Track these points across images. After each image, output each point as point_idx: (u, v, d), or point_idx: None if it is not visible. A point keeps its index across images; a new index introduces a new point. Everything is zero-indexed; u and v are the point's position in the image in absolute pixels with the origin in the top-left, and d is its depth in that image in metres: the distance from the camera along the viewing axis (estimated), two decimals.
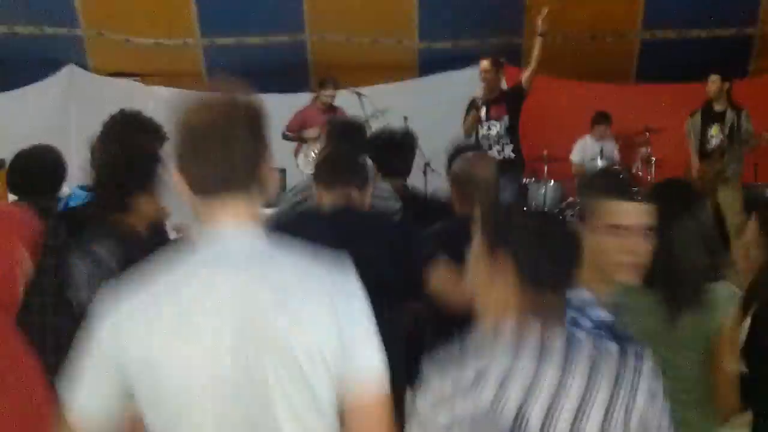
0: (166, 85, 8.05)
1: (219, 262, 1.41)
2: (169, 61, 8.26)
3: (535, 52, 6.08)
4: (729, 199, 6.58)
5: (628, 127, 7.85)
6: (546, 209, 1.74)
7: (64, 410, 1.44)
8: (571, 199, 7.11)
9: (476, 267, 1.59)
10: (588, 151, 7.79)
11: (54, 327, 3.16)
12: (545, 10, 6.01)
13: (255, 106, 1.48)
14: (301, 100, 7.46)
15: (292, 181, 6.12)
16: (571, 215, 6.96)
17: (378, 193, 3.22)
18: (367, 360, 1.42)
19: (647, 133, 7.64)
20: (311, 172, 3.28)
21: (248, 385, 1.37)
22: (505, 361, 1.43)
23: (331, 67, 7.68)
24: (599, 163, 7.51)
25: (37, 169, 3.30)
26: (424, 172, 6.94)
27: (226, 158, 1.41)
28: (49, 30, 7.97)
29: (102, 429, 1.44)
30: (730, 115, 6.74)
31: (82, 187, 3.38)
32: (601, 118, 7.73)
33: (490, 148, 6.10)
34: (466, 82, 7.20)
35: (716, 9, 7.81)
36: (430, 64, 8.34)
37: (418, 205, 3.71)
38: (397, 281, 2.60)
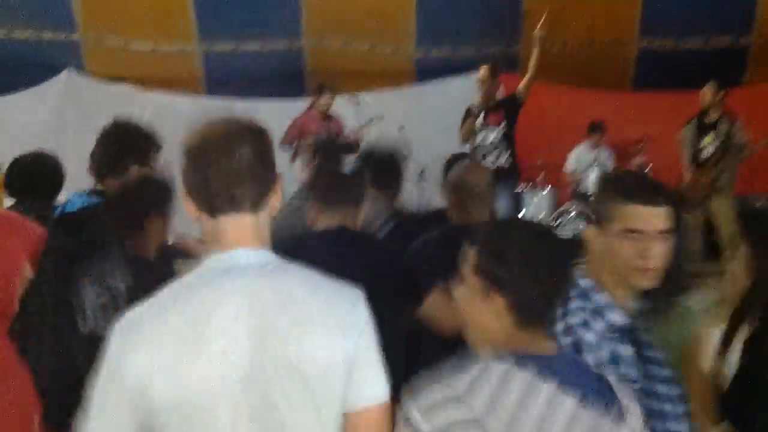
0: (163, 91, 8.07)
1: (229, 280, 1.43)
2: (167, 66, 8.27)
3: (533, 60, 6.11)
4: (722, 208, 6.58)
5: (623, 135, 7.89)
6: (539, 222, 1.70)
7: None
8: (565, 206, 7.14)
9: (466, 297, 1.59)
10: (583, 159, 7.84)
11: (53, 329, 3.17)
12: (544, 18, 6.03)
13: (260, 130, 1.52)
14: (298, 106, 7.48)
15: (288, 187, 6.12)
16: (574, 217, 7.02)
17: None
18: (372, 380, 1.46)
19: (642, 142, 7.68)
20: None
21: (258, 400, 1.40)
22: (489, 402, 1.42)
23: (328, 74, 7.70)
24: (594, 171, 7.57)
25: (35, 175, 3.33)
26: (420, 180, 6.95)
27: (234, 177, 1.44)
28: (48, 34, 7.98)
29: None
30: (723, 124, 6.77)
31: (79, 195, 3.39)
32: (596, 127, 7.81)
33: (485, 157, 6.13)
34: (463, 90, 7.23)
35: (713, 19, 7.86)
36: (427, 72, 8.37)
37: (411, 218, 3.73)
38: (395, 295, 2.62)
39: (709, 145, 6.80)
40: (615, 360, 1.82)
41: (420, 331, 2.88)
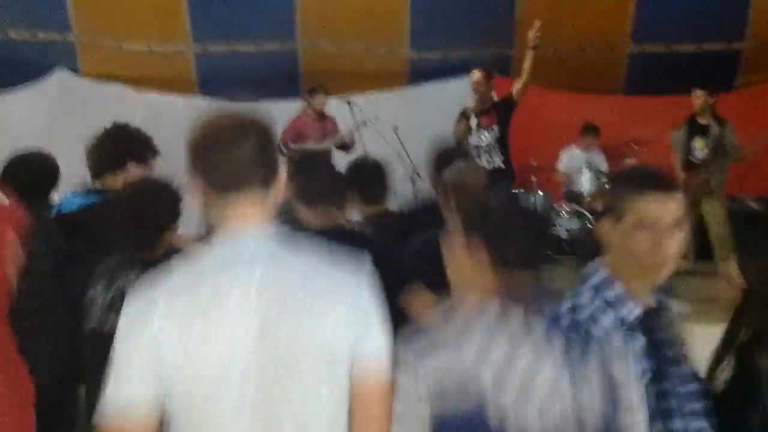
0: (157, 92, 8.07)
1: (238, 259, 1.48)
2: (160, 67, 8.26)
3: (527, 64, 6.13)
4: (713, 210, 6.66)
5: (615, 139, 7.93)
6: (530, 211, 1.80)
7: (107, 415, 1.46)
8: (556, 206, 7.18)
9: (453, 252, 1.69)
10: (574, 161, 7.88)
11: (53, 329, 3.17)
12: (538, 23, 6.06)
13: (264, 118, 1.57)
14: (292, 107, 7.49)
15: None
16: (566, 217, 7.06)
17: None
18: (375, 336, 1.51)
19: (634, 145, 7.72)
20: None
21: (266, 378, 1.44)
22: (461, 328, 1.52)
23: (322, 76, 7.71)
24: (585, 173, 7.61)
25: (30, 174, 3.33)
26: (413, 180, 6.98)
27: (240, 156, 1.49)
28: (42, 35, 7.96)
29: (149, 420, 1.46)
30: (714, 128, 6.81)
31: (77, 194, 3.40)
32: (589, 130, 7.85)
33: (479, 157, 6.15)
34: (457, 92, 7.25)
35: (704, 24, 7.90)
36: (421, 74, 8.40)
37: (401, 224, 3.77)
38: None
39: (700, 148, 6.85)
40: (626, 344, 1.83)
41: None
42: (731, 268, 2.33)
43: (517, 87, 6.18)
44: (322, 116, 7.23)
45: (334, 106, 7.33)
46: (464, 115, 6.20)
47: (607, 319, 1.87)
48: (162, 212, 2.73)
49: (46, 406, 2.86)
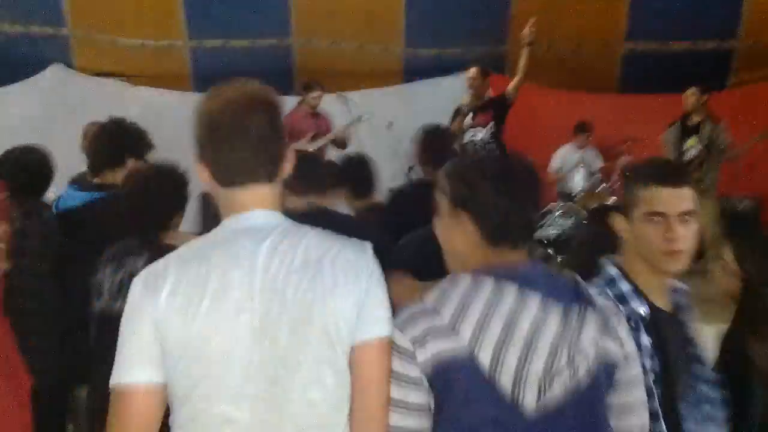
0: (151, 86, 8.06)
1: (245, 238, 1.50)
2: (155, 62, 8.25)
3: (522, 62, 6.15)
4: (705, 210, 6.68)
5: (609, 136, 7.95)
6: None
7: (112, 398, 1.47)
8: (549, 206, 7.19)
9: (442, 225, 1.68)
10: (568, 159, 7.90)
11: (50, 330, 3.18)
12: (533, 20, 6.08)
13: (272, 97, 1.58)
14: (287, 104, 7.48)
15: None
16: (559, 216, 7.07)
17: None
18: (377, 316, 1.52)
19: (628, 143, 7.74)
20: None
21: (271, 350, 1.45)
22: (458, 307, 1.51)
23: (316, 72, 7.71)
24: (579, 171, 7.62)
25: (25, 170, 3.33)
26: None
27: (249, 148, 1.51)
28: (36, 29, 7.95)
29: (157, 400, 1.48)
30: (707, 127, 6.84)
31: (75, 188, 3.40)
32: (583, 128, 7.87)
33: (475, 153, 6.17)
34: (451, 89, 7.27)
35: (698, 22, 7.93)
36: (415, 71, 8.40)
37: (389, 214, 3.82)
38: None
39: (692, 147, 6.87)
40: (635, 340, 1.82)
41: None
42: (725, 254, 2.36)
43: (512, 84, 6.20)
44: (316, 113, 7.23)
45: (329, 103, 7.33)
46: (459, 112, 6.22)
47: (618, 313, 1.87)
48: (169, 196, 2.74)
49: (45, 406, 2.88)
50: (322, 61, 8.18)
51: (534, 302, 1.51)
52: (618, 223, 2.00)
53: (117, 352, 1.48)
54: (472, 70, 6.20)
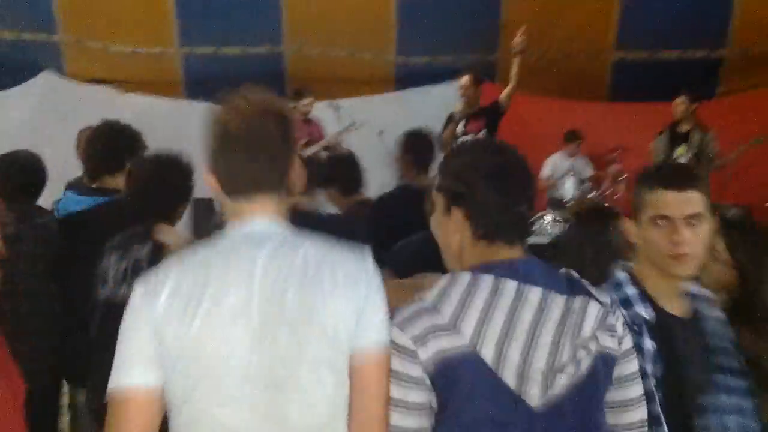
0: (143, 93, 8.05)
1: (246, 246, 1.51)
2: (147, 69, 8.23)
3: (514, 70, 6.17)
4: None
5: (599, 145, 7.98)
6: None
7: (119, 398, 1.48)
8: (540, 213, 7.22)
9: (438, 222, 1.69)
10: (559, 167, 7.94)
11: (46, 333, 3.17)
12: (523, 28, 6.10)
13: (285, 112, 1.61)
14: None
15: None
16: (549, 223, 7.09)
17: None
18: (376, 325, 1.52)
19: (618, 151, 7.78)
20: None
21: (269, 358, 1.46)
22: (458, 306, 1.51)
23: (308, 79, 7.72)
24: (570, 179, 7.65)
25: (17, 176, 3.32)
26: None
27: (258, 160, 1.53)
28: (27, 35, 7.93)
29: (156, 402, 1.49)
30: (696, 135, 6.87)
31: (76, 192, 3.38)
32: (573, 136, 7.91)
33: None
34: (443, 97, 7.28)
35: (687, 31, 7.97)
36: (407, 79, 8.42)
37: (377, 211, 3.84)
38: None
39: (681, 155, 6.89)
40: (637, 345, 1.82)
41: None
42: (717, 243, 2.37)
43: (505, 92, 6.22)
44: (307, 120, 7.23)
45: (321, 110, 7.34)
46: (451, 120, 6.24)
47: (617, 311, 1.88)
48: (175, 184, 2.74)
49: (38, 407, 2.86)
50: (313, 68, 8.19)
51: (535, 296, 1.52)
52: (628, 227, 2.01)
53: (116, 355, 1.50)
54: (465, 78, 6.23)
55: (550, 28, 7.64)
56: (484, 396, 1.48)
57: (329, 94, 7.42)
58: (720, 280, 2.39)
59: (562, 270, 1.63)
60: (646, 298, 1.94)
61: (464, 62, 7.55)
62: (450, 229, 1.65)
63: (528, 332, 1.49)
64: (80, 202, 3.26)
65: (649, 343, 1.87)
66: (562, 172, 7.87)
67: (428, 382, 1.49)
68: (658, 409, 1.81)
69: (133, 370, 1.47)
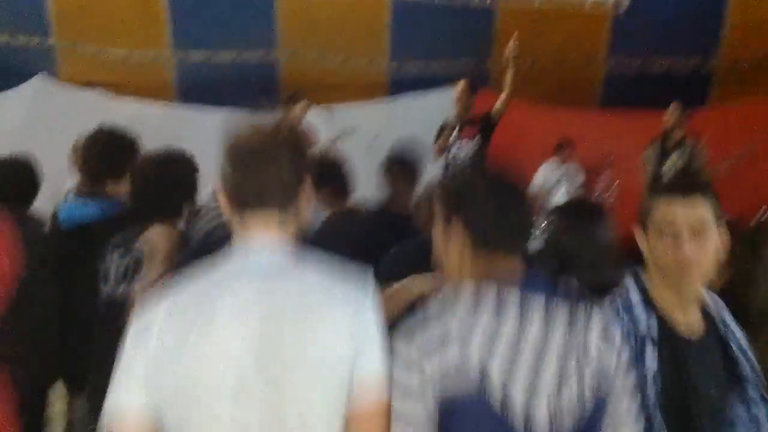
0: (136, 98, 8.04)
1: (246, 274, 1.52)
2: (140, 73, 8.23)
3: (508, 78, 6.18)
4: None
5: (591, 153, 8.00)
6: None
7: (115, 413, 1.49)
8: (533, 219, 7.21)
9: (437, 233, 1.71)
10: (550, 176, 7.96)
11: (39, 340, 3.16)
12: (516, 35, 6.12)
13: (299, 135, 1.64)
14: (271, 117, 7.45)
15: None
16: (540, 232, 7.10)
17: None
18: (374, 372, 1.52)
19: (608, 159, 7.81)
20: None
21: (265, 388, 1.46)
22: (465, 319, 1.51)
23: (302, 85, 7.72)
24: (561, 187, 7.67)
25: (11, 179, 3.31)
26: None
27: (266, 176, 1.55)
28: (21, 39, 7.93)
29: (151, 423, 1.49)
30: (686, 145, 6.90)
31: (78, 199, 3.34)
32: (564, 145, 7.93)
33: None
34: (437, 103, 7.30)
35: (679, 40, 8.03)
36: (401, 85, 8.44)
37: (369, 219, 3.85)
38: None
39: (672, 165, 6.93)
40: (638, 359, 1.83)
41: None
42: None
43: (500, 100, 6.23)
44: (301, 125, 7.23)
45: (314, 116, 7.34)
46: (446, 127, 6.25)
47: (621, 321, 1.87)
48: (180, 182, 2.73)
49: (33, 412, 2.85)
50: (307, 74, 8.20)
51: (539, 306, 1.53)
52: (638, 237, 2.00)
53: (114, 373, 1.51)
54: (460, 85, 6.24)
55: (543, 36, 7.68)
56: (489, 414, 1.48)
57: (323, 99, 7.43)
58: (713, 282, 2.40)
59: (563, 279, 1.65)
60: (651, 307, 1.93)
61: (458, 68, 7.58)
62: (448, 239, 1.67)
63: (535, 347, 1.50)
64: (84, 208, 3.21)
65: (650, 360, 1.86)
66: (554, 180, 7.88)
67: (430, 394, 1.49)
68: (659, 427, 1.81)
69: (131, 391, 1.49)
